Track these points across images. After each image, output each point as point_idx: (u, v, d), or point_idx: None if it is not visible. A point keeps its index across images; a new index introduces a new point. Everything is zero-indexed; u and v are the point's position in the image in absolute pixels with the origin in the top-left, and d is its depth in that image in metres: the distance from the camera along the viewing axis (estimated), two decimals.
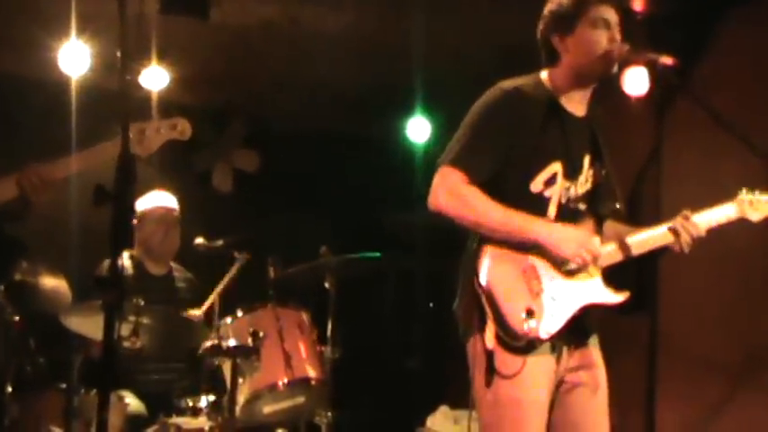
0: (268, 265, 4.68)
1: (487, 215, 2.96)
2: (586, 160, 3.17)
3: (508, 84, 3.09)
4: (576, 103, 3.16)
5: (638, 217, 4.58)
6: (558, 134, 3.07)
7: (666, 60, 3.05)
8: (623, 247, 3.10)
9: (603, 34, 3.06)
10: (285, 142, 7.03)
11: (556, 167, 3.07)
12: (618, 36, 3.07)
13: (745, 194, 3.25)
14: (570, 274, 3.03)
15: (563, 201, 3.09)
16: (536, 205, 3.04)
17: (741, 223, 3.25)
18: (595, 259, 2.98)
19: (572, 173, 3.11)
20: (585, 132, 3.17)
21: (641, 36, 5.11)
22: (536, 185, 3.06)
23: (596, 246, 3.00)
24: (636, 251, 3.11)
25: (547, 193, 3.07)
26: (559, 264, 3.01)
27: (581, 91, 3.16)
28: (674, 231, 3.12)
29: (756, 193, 3.25)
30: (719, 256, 4.72)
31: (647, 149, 5.57)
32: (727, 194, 3.30)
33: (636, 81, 5.26)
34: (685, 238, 3.11)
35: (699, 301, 5.23)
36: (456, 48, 5.84)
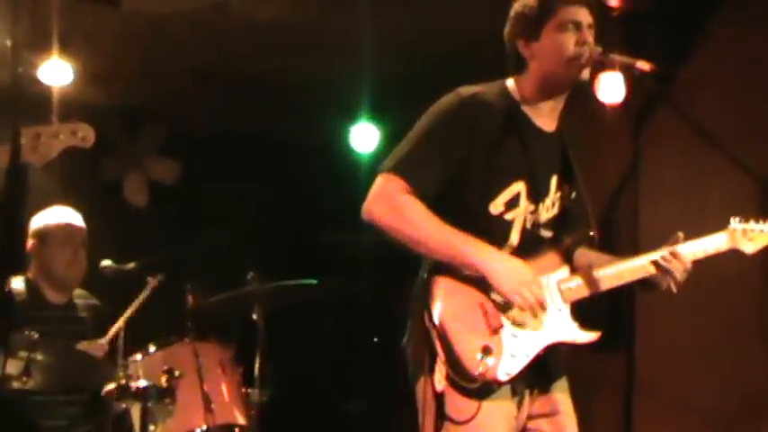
0: (186, 293, 4.66)
1: (425, 231, 2.98)
2: (553, 181, 3.22)
3: (467, 89, 3.13)
4: (545, 116, 3.21)
5: (613, 243, 4.83)
6: (522, 150, 3.11)
7: (645, 65, 3.07)
8: (590, 281, 3.13)
9: (572, 37, 3.09)
10: (209, 149, 7.09)
11: (518, 187, 3.11)
12: (590, 38, 3.10)
13: (737, 223, 3.29)
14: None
15: (527, 226, 3.14)
16: (496, 229, 3.08)
17: (729, 253, 3.29)
18: (540, 306, 2.99)
19: (537, 194, 3.16)
20: (554, 149, 3.21)
21: (617, 36, 5.06)
22: (496, 207, 3.10)
23: (540, 291, 3.00)
24: (606, 285, 3.14)
25: (508, 216, 3.11)
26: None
27: (550, 102, 3.20)
28: (658, 266, 3.15)
29: (751, 222, 3.30)
30: (704, 288, 4.59)
31: (623, 165, 5.67)
32: (713, 217, 3.35)
33: (611, 88, 5.35)
34: (676, 277, 3.15)
35: (680, 339, 5.31)
36: (409, 44, 5.87)
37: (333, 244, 6.95)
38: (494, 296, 3.01)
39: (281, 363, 4.86)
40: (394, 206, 2.99)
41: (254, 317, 4.80)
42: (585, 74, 3.13)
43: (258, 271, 4.80)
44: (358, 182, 6.48)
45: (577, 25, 3.11)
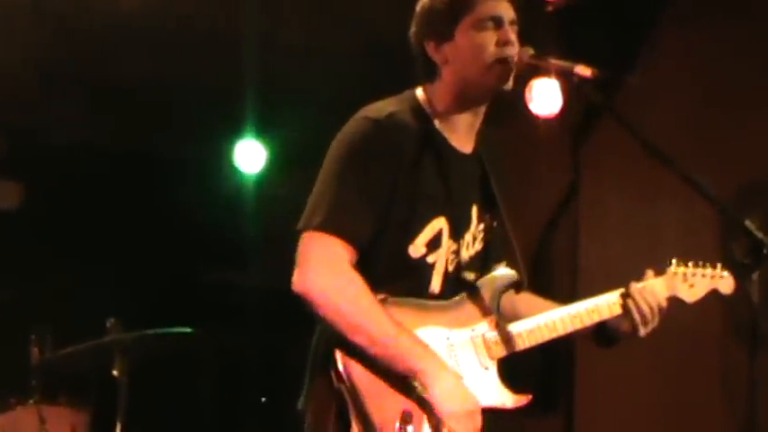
0: (31, 345, 4.61)
1: (371, 319, 2.95)
2: (474, 211, 3.25)
3: (377, 110, 3.11)
4: (462, 134, 3.22)
5: (549, 281, 4.98)
6: (441, 178, 3.14)
7: (585, 70, 3.02)
8: (506, 339, 3.16)
9: (492, 36, 3.07)
10: (60, 168, 7.01)
11: (440, 224, 3.13)
12: (513, 37, 3.10)
13: (675, 266, 3.39)
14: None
15: (449, 269, 3.17)
16: (416, 275, 3.11)
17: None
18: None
19: (458, 230, 3.20)
20: (473, 174, 3.26)
21: (552, 36, 5.28)
22: (416, 249, 3.10)
23: (478, 425, 3.00)
24: (544, 336, 3.21)
25: (430, 259, 3.12)
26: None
27: (467, 116, 3.20)
28: (626, 307, 3.25)
29: (690, 265, 3.39)
30: (655, 342, 4.92)
31: (560, 189, 5.82)
32: (665, 252, 3.42)
33: (545, 97, 5.42)
34: (647, 318, 3.25)
35: (625, 401, 5.38)
36: (304, 46, 5.89)
37: (212, 284, 6.89)
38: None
39: (149, 428, 4.87)
40: (342, 282, 2.97)
41: (115, 372, 4.74)
42: (509, 82, 3.12)
43: (120, 316, 4.77)
44: (242, 208, 6.52)
45: (498, 21, 3.09)
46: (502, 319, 3.19)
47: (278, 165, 6.67)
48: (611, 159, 5.55)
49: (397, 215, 3.04)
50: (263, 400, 6.86)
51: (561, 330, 3.21)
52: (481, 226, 3.26)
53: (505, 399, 3.11)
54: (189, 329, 4.89)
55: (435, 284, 3.13)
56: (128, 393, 4.72)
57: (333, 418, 2.94)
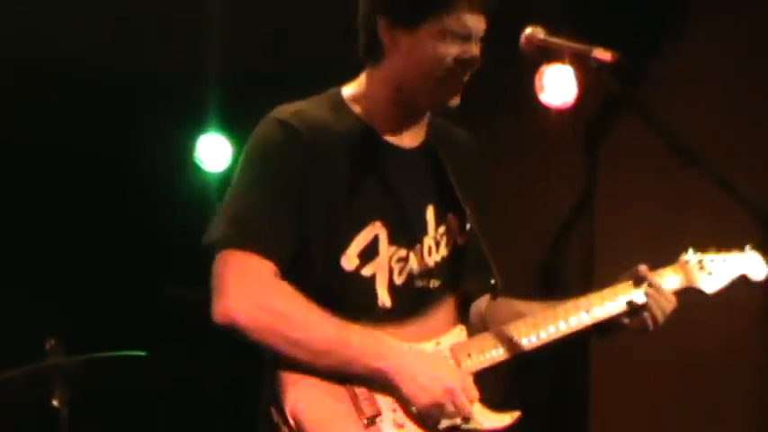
0: None
1: (309, 329, 3.01)
2: (429, 214, 3.30)
3: (286, 109, 3.18)
4: (402, 128, 3.27)
5: (560, 293, 4.70)
6: (372, 179, 3.19)
7: (604, 54, 3.03)
8: (479, 351, 3.19)
9: (455, 48, 3.09)
10: None
11: (374, 230, 3.17)
12: (476, 53, 3.11)
13: (692, 254, 3.45)
14: None
15: (395, 279, 3.20)
16: (355, 291, 3.15)
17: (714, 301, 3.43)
18: (466, 418, 3.07)
19: (404, 235, 3.23)
20: (422, 170, 3.31)
21: (569, 18, 5.14)
22: (349, 261, 3.14)
23: (471, 392, 3.07)
24: (510, 352, 3.22)
25: (366, 272, 3.16)
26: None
27: (406, 110, 3.25)
28: (631, 303, 3.28)
29: (710, 252, 3.46)
30: (681, 357, 5.03)
31: (574, 190, 5.76)
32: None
33: (557, 86, 5.41)
34: (657, 316, 3.28)
35: (647, 414, 5.41)
36: (274, 33, 5.91)
37: (171, 300, 6.87)
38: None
39: None
40: (266, 298, 3.02)
41: (55, 403, 4.70)
42: (456, 100, 3.18)
43: (62, 338, 4.71)
44: (206, 212, 6.44)
45: (467, 36, 3.11)
46: (474, 329, 3.26)
47: None
48: (632, 158, 5.56)
49: (321, 224, 3.10)
50: None
51: (547, 337, 3.24)
52: (441, 228, 3.29)
53: (486, 419, 3.14)
54: (143, 353, 4.88)
55: (383, 298, 3.17)
56: (69, 427, 4.68)
57: None
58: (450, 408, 3.01)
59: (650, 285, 3.28)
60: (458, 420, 3.05)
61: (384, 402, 3.05)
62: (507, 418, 3.15)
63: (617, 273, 4.65)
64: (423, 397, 3.00)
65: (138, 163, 7.00)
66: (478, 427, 3.12)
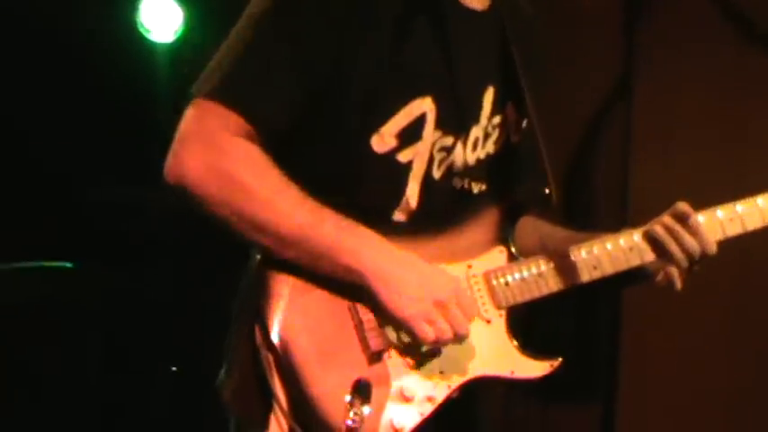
0: None
1: (275, 208, 2.91)
2: (487, 97, 3.19)
3: None
4: None
5: (591, 210, 5.09)
6: (428, 42, 3.07)
7: None
8: (550, 270, 3.11)
9: None
10: None
11: (422, 106, 3.04)
12: None
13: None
14: None
15: (434, 173, 3.11)
16: (382, 180, 3.07)
17: None
18: (461, 337, 2.97)
19: (455, 119, 3.12)
20: (488, 41, 3.21)
21: None
22: (382, 141, 3.01)
23: (470, 309, 2.99)
24: (570, 281, 3.14)
25: (403, 156, 3.05)
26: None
27: None
28: (653, 242, 3.16)
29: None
30: (731, 291, 4.87)
31: (607, 86, 5.43)
32: (756, 171, 3.60)
33: None
34: (678, 255, 3.15)
35: (691, 383, 5.18)
36: None
37: (105, 203, 6.56)
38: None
39: (7, 400, 5.01)
40: (223, 163, 2.91)
41: None
42: None
43: None
44: (151, 91, 6.49)
45: None
46: (518, 252, 3.16)
47: (199, 30, 6.42)
48: (677, 48, 5.20)
49: (352, 93, 2.99)
50: (174, 369, 6.67)
51: (589, 274, 3.15)
52: (497, 119, 3.20)
53: (519, 366, 3.09)
54: (69, 264, 4.93)
55: (411, 194, 3.08)
56: None
57: (259, 393, 2.91)
58: (441, 325, 2.92)
59: (679, 221, 3.15)
60: (447, 340, 2.96)
61: (391, 333, 2.98)
62: (546, 366, 3.10)
63: (656, 184, 4.95)
64: (406, 309, 2.91)
65: (75, 31, 6.57)
66: (518, 377, 3.09)
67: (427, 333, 2.92)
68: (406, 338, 3.00)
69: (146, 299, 6.67)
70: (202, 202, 2.89)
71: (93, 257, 5.08)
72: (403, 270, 2.94)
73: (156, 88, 6.48)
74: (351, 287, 2.98)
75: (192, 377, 5.88)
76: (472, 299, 3.05)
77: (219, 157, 2.90)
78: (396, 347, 3.01)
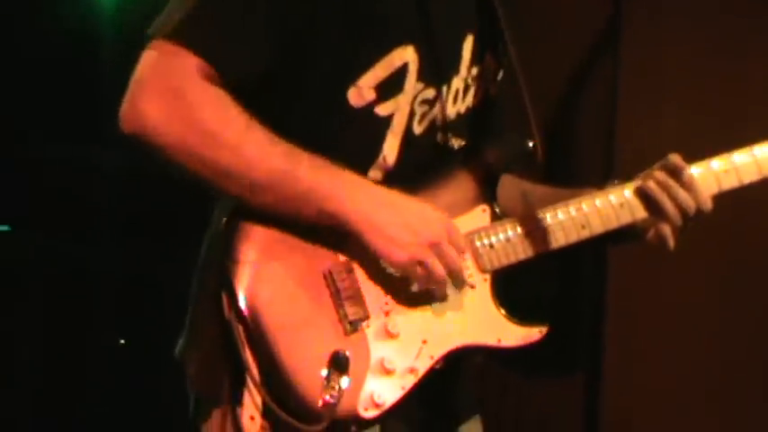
0: None
1: (245, 153, 2.85)
2: (467, 47, 3.20)
3: None
4: None
5: (575, 167, 5.02)
6: None
7: None
8: (536, 230, 3.11)
9: None
10: None
11: (403, 56, 3.03)
12: None
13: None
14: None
15: (414, 127, 3.10)
16: (358, 135, 3.05)
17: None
18: (458, 278, 2.97)
19: (437, 70, 3.14)
20: None
21: None
22: (360, 94, 3.00)
23: (461, 245, 2.99)
24: (558, 241, 3.13)
25: (382, 110, 3.03)
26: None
27: None
28: (646, 198, 3.18)
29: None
30: (726, 261, 4.88)
31: (593, 30, 5.32)
32: (752, 126, 3.44)
33: None
34: (671, 212, 3.15)
35: (680, 355, 5.18)
36: None
37: (47, 162, 6.46)
38: (354, 261, 2.99)
39: None
40: (186, 106, 2.84)
41: None
42: None
43: None
44: (94, 49, 6.44)
45: None
46: (502, 211, 3.15)
47: None
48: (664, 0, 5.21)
49: (327, 42, 2.98)
50: (122, 342, 6.54)
51: (577, 234, 3.15)
52: (475, 69, 3.21)
53: (505, 332, 3.08)
54: (5, 227, 5.00)
55: (389, 150, 3.06)
56: None
57: (226, 365, 2.88)
58: (436, 268, 2.91)
59: (671, 174, 3.15)
60: (442, 281, 2.96)
61: (374, 303, 2.95)
62: (535, 333, 3.09)
63: (644, 137, 4.94)
64: (398, 254, 2.89)
65: None
66: (504, 345, 3.09)
67: (422, 277, 2.90)
68: (389, 300, 2.96)
69: (91, 269, 6.55)
70: (164, 151, 2.82)
71: (36, 222, 5.07)
72: (390, 212, 2.90)
73: (98, 44, 6.38)
74: (326, 252, 2.93)
75: (142, 352, 6.02)
76: (460, 234, 3.00)
77: (181, 101, 2.83)
78: (376, 314, 2.95)
